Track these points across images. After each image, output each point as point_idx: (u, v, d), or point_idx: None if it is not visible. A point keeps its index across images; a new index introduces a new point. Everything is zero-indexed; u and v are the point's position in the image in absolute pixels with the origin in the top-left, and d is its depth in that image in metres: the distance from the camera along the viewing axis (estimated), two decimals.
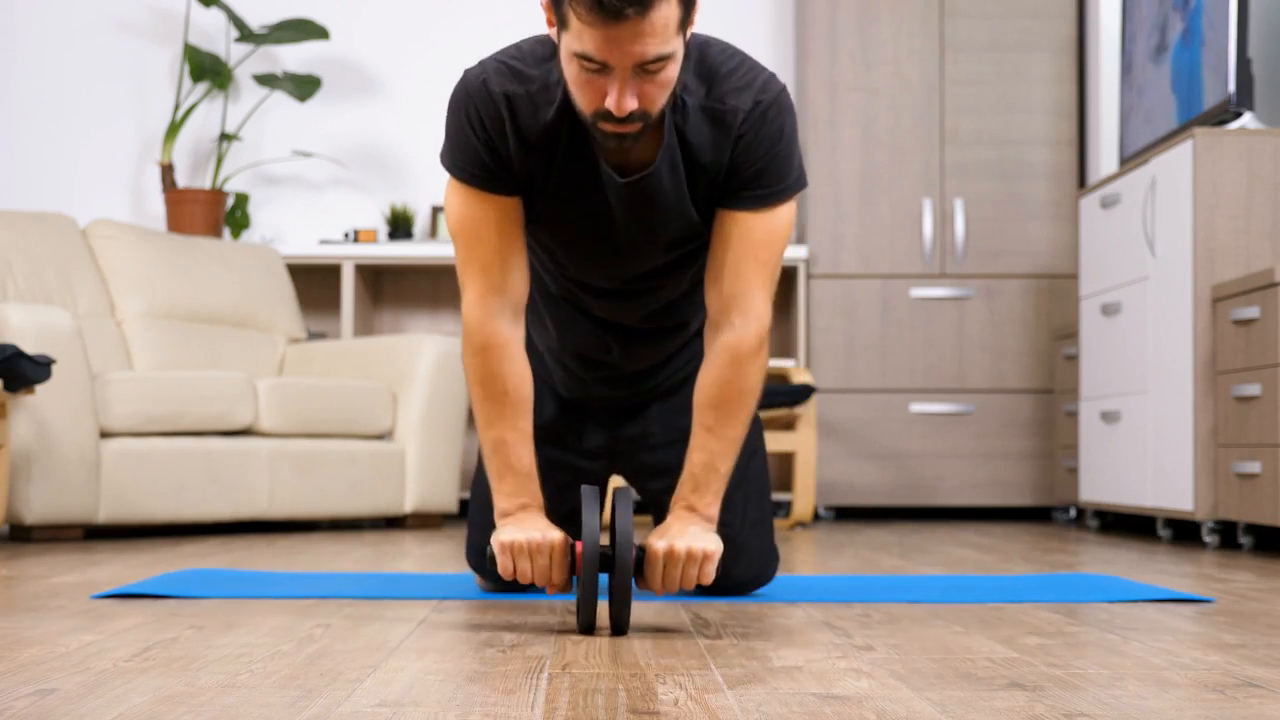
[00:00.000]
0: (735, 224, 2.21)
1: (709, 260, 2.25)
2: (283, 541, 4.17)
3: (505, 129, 2.15)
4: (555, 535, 2.12)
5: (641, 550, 2.15)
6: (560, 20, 2.00)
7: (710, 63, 2.18)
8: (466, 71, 2.19)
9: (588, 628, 2.09)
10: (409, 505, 4.94)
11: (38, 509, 4.07)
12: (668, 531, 2.17)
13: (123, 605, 2.44)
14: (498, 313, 2.21)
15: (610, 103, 1.99)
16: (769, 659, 1.86)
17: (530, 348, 2.51)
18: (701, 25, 6.29)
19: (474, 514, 2.62)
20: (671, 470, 2.40)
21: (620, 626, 2.08)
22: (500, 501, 2.22)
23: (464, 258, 2.21)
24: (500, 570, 2.14)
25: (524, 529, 2.15)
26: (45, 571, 3.11)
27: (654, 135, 2.15)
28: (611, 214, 2.23)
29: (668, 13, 1.95)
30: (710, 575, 2.14)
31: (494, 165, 2.17)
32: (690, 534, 2.16)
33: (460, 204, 2.20)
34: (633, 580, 2.10)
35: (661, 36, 1.95)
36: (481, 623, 2.24)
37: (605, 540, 3.06)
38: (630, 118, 2.01)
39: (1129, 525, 5.18)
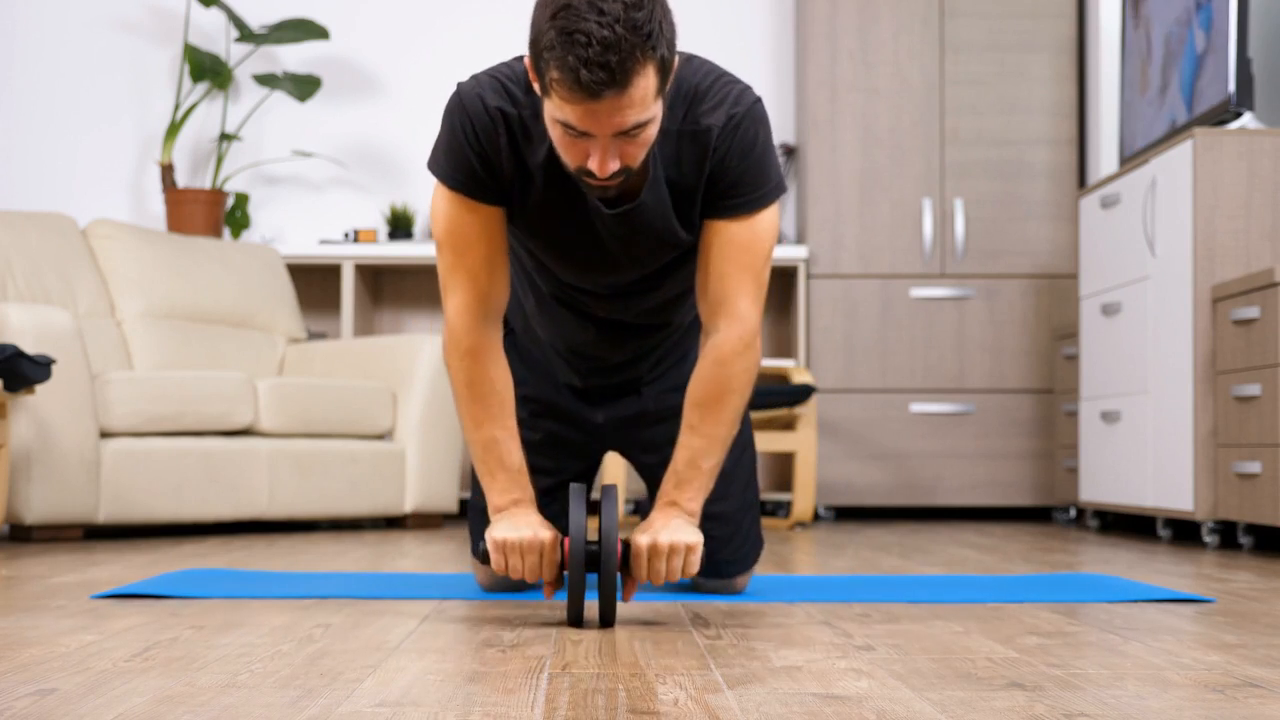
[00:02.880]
0: (718, 233, 2.28)
1: (698, 269, 2.32)
2: (283, 541, 4.17)
3: (499, 143, 2.21)
4: (545, 534, 2.24)
5: (627, 546, 2.25)
6: (542, 88, 2.06)
7: (686, 85, 2.24)
8: (461, 84, 2.25)
9: (576, 620, 2.21)
10: (409, 505, 4.94)
11: (38, 509, 4.07)
12: (650, 527, 2.27)
13: (123, 605, 2.44)
14: (483, 318, 2.29)
15: (593, 164, 2.07)
16: (769, 659, 1.86)
17: (531, 334, 2.62)
18: (702, 25, 6.31)
19: (475, 502, 2.66)
20: (663, 446, 2.54)
21: (607, 619, 2.20)
22: (494, 498, 2.33)
23: (451, 264, 2.28)
24: (494, 566, 2.26)
25: (516, 527, 2.25)
26: (45, 571, 3.11)
27: (639, 169, 2.21)
28: (599, 237, 2.30)
29: (645, 84, 2.01)
30: (695, 565, 2.25)
31: (485, 176, 2.23)
32: (672, 527, 2.25)
33: (449, 212, 2.26)
34: (619, 574, 2.24)
35: (640, 106, 2.02)
36: (481, 622, 2.24)
37: (593, 536, 3.10)
38: (613, 175, 2.09)
39: (1129, 525, 5.18)
